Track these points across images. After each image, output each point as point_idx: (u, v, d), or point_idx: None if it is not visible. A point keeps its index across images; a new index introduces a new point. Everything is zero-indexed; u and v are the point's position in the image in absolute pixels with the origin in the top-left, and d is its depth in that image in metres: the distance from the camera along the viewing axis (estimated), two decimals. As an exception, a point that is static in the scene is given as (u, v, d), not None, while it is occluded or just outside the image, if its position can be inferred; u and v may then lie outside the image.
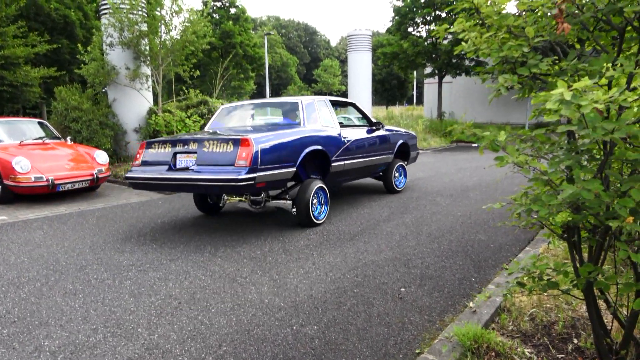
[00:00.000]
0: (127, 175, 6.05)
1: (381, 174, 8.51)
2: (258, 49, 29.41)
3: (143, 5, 11.11)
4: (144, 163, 6.01)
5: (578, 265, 2.42)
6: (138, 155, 6.14)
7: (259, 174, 5.25)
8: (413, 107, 48.61)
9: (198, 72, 12.18)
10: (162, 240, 5.70)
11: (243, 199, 6.80)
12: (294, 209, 6.09)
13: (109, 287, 4.15)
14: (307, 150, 6.01)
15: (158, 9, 11.13)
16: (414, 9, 23.69)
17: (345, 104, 8.11)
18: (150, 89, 12.09)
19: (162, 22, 11.11)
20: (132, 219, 6.91)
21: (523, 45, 2.07)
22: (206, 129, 7.20)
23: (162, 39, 11.29)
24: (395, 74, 46.22)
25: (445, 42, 23.59)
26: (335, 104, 7.47)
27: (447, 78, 25.88)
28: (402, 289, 3.98)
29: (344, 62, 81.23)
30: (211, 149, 5.46)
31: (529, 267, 2.16)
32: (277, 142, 5.64)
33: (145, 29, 11.05)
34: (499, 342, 2.83)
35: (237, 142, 5.31)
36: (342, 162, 6.80)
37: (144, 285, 4.17)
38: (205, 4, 13.02)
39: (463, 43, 2.60)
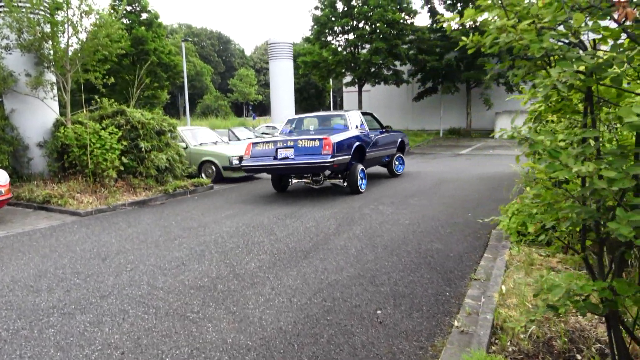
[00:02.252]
0: (243, 164, 9.14)
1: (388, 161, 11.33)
2: (173, 56, 27.98)
3: (46, 4, 9.86)
4: (253, 156, 8.85)
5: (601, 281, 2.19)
6: (247, 152, 8.98)
7: (335, 158, 8.23)
8: (332, 115, 49.20)
9: (113, 80, 11.06)
10: (86, 272, 4.86)
11: (308, 180, 9.54)
12: (345, 184, 9.10)
13: (26, 339, 3.34)
14: (355, 144, 9.00)
15: (65, 8, 9.92)
16: (333, 19, 23.89)
17: (367, 114, 11.05)
18: (57, 98, 10.76)
19: (69, 22, 9.92)
20: (44, 249, 5.91)
21: (565, 34, 1.80)
22: (278, 133, 10.74)
23: (69, 42, 10.09)
24: (313, 83, 46.57)
25: (364, 51, 24.05)
26: (362, 114, 10.57)
27: (366, 87, 26.41)
28: (379, 312, 3.62)
29: (259, 71, 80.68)
30: (304, 145, 8.42)
31: (574, 290, 1.88)
32: (342, 139, 8.70)
33: (49, 30, 9.80)
34: (510, 369, 2.55)
35: (321, 140, 8.31)
36: (371, 153, 9.86)
37: (72, 333, 3.42)
38: (114, 8, 11.90)
39: (464, 38, 2.31)
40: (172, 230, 6.70)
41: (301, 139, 8.53)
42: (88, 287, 4.38)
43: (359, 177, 8.98)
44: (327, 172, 9.07)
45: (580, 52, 1.84)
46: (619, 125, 2.25)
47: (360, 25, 23.84)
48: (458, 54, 23.35)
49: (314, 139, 8.40)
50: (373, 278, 4.39)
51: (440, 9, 24.51)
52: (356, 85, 25.28)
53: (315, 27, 24.55)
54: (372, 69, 23.84)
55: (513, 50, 2.49)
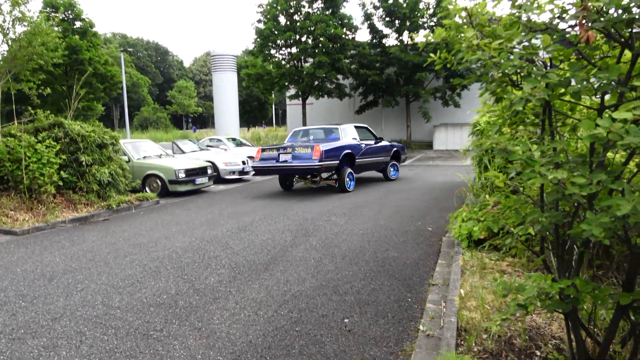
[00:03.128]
0: (252, 164, 11.40)
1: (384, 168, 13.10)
2: (110, 66, 26.85)
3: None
4: (261, 159, 10.90)
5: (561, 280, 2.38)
6: (257, 156, 11.05)
7: (323, 163, 10.08)
8: (275, 128, 49.21)
9: (49, 90, 10.45)
10: (32, 294, 4.55)
11: (306, 182, 11.69)
12: (337, 185, 10.98)
13: (-28, 369, 3.08)
14: (344, 152, 10.82)
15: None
16: (276, 32, 24.03)
17: (362, 127, 12.70)
18: (-16, 109, 10.03)
19: None
20: (-22, 271, 5.46)
21: (534, 52, 1.96)
22: (285, 142, 12.09)
23: (-1, 51, 9.47)
24: (255, 95, 46.42)
25: (307, 65, 24.34)
26: (356, 127, 12.22)
27: (310, 100, 26.72)
28: (346, 320, 3.68)
29: (199, 83, 79.29)
30: (299, 152, 10.36)
31: (545, 289, 2.02)
32: (330, 147, 10.52)
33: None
34: (479, 367, 2.69)
35: (312, 147, 10.20)
36: (362, 160, 11.57)
37: (25, 359, 3.19)
38: (49, 17, 11.30)
39: (432, 55, 2.45)
40: (120, 247, 6.42)
41: (298, 146, 10.50)
42: (36, 310, 4.10)
43: (346, 179, 10.85)
44: (325, 175, 11.48)
45: (543, 69, 2.02)
46: (570, 135, 2.46)
47: (303, 39, 24.16)
48: (397, 68, 24.27)
49: (307, 146, 10.36)
50: (336, 288, 4.44)
51: (379, 25, 25.37)
52: (300, 98, 25.49)
53: (258, 40, 24.58)
54: (316, 82, 24.17)
55: (450, 67, 2.67)
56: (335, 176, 11.37)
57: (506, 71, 2.00)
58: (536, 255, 2.59)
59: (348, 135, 11.51)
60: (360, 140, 11.84)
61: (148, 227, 7.69)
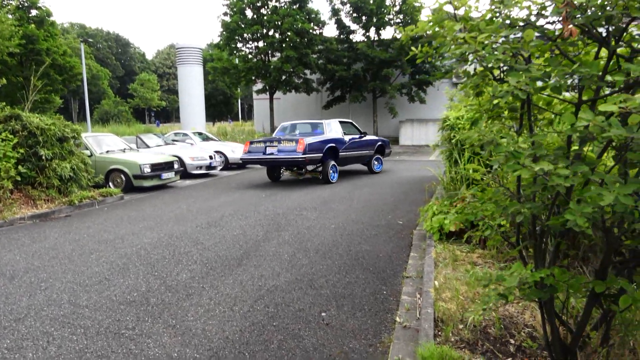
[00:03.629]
0: (241, 156, 11.96)
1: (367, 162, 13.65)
2: (69, 57, 25.77)
3: None
4: (249, 151, 11.44)
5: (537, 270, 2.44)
6: (246, 148, 11.59)
7: (307, 155, 10.57)
8: (241, 122, 48.65)
9: (4, 80, 9.93)
10: (-8, 294, 4.32)
11: (292, 173, 12.60)
12: (321, 176, 11.51)
13: None
14: (327, 145, 11.29)
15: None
16: (242, 26, 23.70)
17: (347, 122, 13.20)
18: None
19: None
20: None
21: (518, 47, 1.99)
22: (274, 135, 12.68)
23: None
24: (220, 89, 45.74)
25: (275, 59, 24.15)
26: (340, 122, 12.65)
27: (277, 94, 26.53)
28: (323, 314, 3.67)
29: (162, 76, 77.40)
30: (284, 145, 10.84)
31: (527, 278, 2.06)
32: (314, 141, 11.01)
33: None
34: (458, 357, 2.73)
35: (297, 141, 10.70)
36: (345, 153, 12.05)
37: (-11, 362, 3.03)
38: (3, 3, 10.75)
39: (413, 48, 2.45)
40: (85, 244, 6.19)
41: (284, 140, 11.01)
42: (-3, 311, 3.89)
43: (329, 171, 11.44)
44: (310, 167, 12.09)
45: (524, 63, 2.06)
46: (548, 128, 2.52)
47: (271, 33, 23.93)
48: (364, 64, 24.42)
49: (292, 140, 10.90)
50: (311, 282, 4.43)
51: (346, 21, 25.44)
52: (267, 93, 25.27)
53: (224, 33, 24.17)
54: (283, 77, 24.01)
55: (416, 61, 2.69)
56: (319, 168, 11.98)
57: (489, 65, 2.02)
58: (512, 246, 2.64)
59: (332, 129, 12.06)
60: (345, 134, 12.33)
61: (113, 223, 7.45)
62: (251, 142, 11.75)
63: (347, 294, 4.08)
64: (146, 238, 6.37)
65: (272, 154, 11.03)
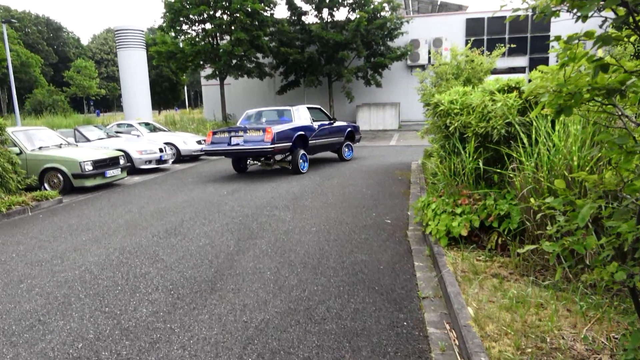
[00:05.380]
0: (203, 148, 11.51)
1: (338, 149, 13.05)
2: (-10, 42, 23.04)
3: None
4: (212, 142, 10.75)
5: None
6: (208, 139, 10.88)
7: (275, 145, 9.98)
8: (189, 110, 46.40)
9: None
10: None
11: (259, 163, 11.68)
12: (290, 166, 10.83)
13: None
14: (297, 134, 10.71)
15: None
16: (188, 6, 21.98)
17: (315, 108, 12.59)
18: None
19: None
20: None
21: None
22: (238, 124, 11.98)
23: None
24: (165, 75, 43.35)
25: (224, 42, 22.69)
26: (309, 109, 12.03)
27: (228, 80, 25.08)
28: (338, 364, 2.80)
29: (100, 62, 72.86)
30: (251, 134, 10.18)
31: None
32: (282, 129, 10.40)
33: None
34: None
35: (264, 130, 10.06)
36: (315, 141, 11.52)
37: None
38: None
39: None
40: (13, 267, 4.97)
41: (250, 129, 10.35)
42: None
43: (299, 161, 10.75)
44: (278, 157, 11.37)
45: None
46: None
47: (219, 14, 22.38)
48: (319, 47, 23.42)
49: (259, 129, 10.21)
50: (309, 311, 3.54)
51: (297, 1, 24.25)
52: (217, 78, 23.76)
53: (167, 14, 22.32)
54: (234, 61, 22.61)
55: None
56: (289, 158, 11.41)
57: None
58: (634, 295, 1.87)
59: (301, 116, 11.48)
60: (314, 121, 11.75)
61: (50, 236, 6.21)
62: (214, 132, 10.90)
63: (360, 329, 3.23)
64: (92, 255, 5.23)
65: (238, 144, 10.32)
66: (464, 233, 4.44)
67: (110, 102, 74.01)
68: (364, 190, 8.47)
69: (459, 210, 4.69)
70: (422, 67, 24.67)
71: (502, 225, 4.32)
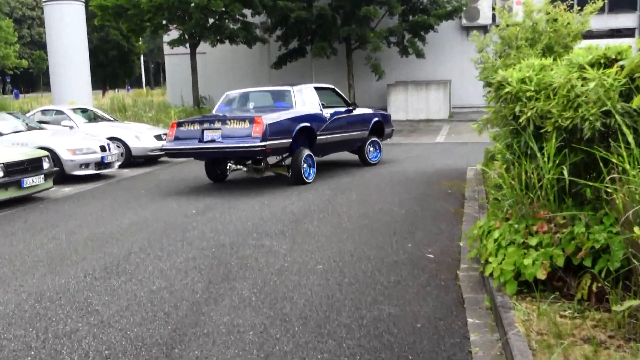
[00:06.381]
0: (164, 146, 11.78)
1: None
2: None
3: None
4: (177, 138, 10.72)
5: None
6: (171, 133, 10.89)
7: (267, 142, 9.81)
8: (146, 91, 47.07)
9: None
10: None
11: (245, 169, 11.36)
12: (289, 173, 10.75)
13: None
14: (299, 126, 10.65)
15: None
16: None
17: (326, 88, 12.80)
18: None
19: None
20: None
21: None
22: (214, 112, 12.21)
23: None
24: (113, 41, 44.12)
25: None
26: (317, 89, 12.15)
27: (202, 47, 25.43)
28: None
29: (21, 22, 74.35)
30: (232, 126, 10.20)
31: None
32: (279, 119, 10.49)
33: None
34: None
35: (251, 120, 10.00)
36: (326, 136, 11.55)
37: None
38: None
39: None
40: None
41: (230, 119, 10.47)
42: None
43: (303, 165, 10.56)
44: (272, 159, 11.40)
45: None
46: None
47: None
48: (333, 0, 23.62)
49: (244, 119, 10.24)
50: (308, 393, 3.48)
51: None
52: (187, 45, 24.16)
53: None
54: (211, 21, 23.03)
55: None
56: (287, 161, 11.28)
57: None
58: None
59: (305, 101, 11.48)
60: (324, 107, 11.80)
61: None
62: (180, 124, 11.01)
63: (384, 422, 3.15)
64: (-4, 304, 5.26)
65: (213, 140, 10.24)
66: (542, 276, 4.39)
67: (35, 78, 75.47)
68: (395, 209, 8.59)
69: (534, 242, 4.65)
70: (484, 28, 24.71)
71: (597, 265, 4.25)
